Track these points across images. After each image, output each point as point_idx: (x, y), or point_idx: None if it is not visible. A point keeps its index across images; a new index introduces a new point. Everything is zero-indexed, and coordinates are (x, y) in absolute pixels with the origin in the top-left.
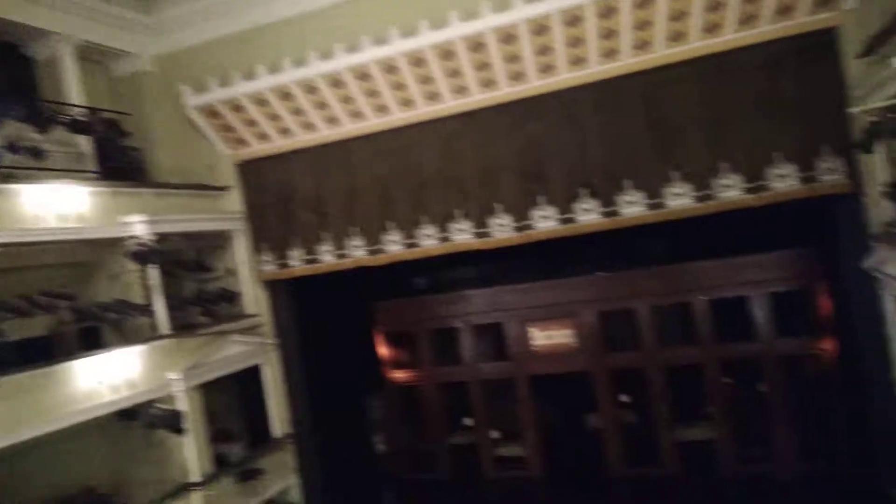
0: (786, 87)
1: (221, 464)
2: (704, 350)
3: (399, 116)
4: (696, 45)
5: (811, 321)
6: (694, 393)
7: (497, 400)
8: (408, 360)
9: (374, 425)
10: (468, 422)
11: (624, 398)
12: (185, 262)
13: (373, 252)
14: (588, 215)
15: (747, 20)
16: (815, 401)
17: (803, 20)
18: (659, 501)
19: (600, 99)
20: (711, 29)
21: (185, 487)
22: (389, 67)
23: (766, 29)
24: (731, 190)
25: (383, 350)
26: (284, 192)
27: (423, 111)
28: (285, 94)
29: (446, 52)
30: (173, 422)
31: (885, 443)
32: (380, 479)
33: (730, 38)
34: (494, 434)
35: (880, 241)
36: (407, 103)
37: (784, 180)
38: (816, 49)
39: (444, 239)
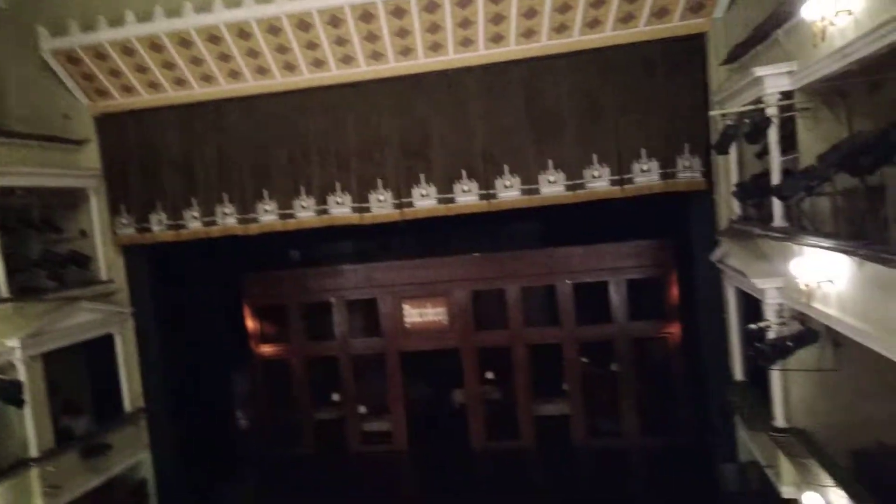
0: (655, 87)
1: (66, 438)
2: (565, 330)
3: (281, 81)
4: (578, 38)
5: (662, 307)
6: (553, 370)
7: (366, 375)
8: (276, 334)
9: (238, 400)
10: (336, 397)
11: (489, 375)
12: (31, 221)
13: (245, 221)
14: (467, 197)
15: (626, 19)
16: (661, 380)
17: (676, 24)
18: (516, 472)
19: (485, 82)
20: (593, 24)
21: (23, 463)
22: (273, 28)
23: (642, 29)
24: (599, 181)
25: (251, 323)
26: (149, 151)
27: (307, 77)
28: (156, 46)
29: (334, 19)
30: (11, 393)
31: (720, 421)
32: (241, 455)
33: (609, 34)
34: (362, 409)
35: (726, 235)
36: (290, 68)
37: (647, 175)
38: (686, 53)
39: (322, 212)
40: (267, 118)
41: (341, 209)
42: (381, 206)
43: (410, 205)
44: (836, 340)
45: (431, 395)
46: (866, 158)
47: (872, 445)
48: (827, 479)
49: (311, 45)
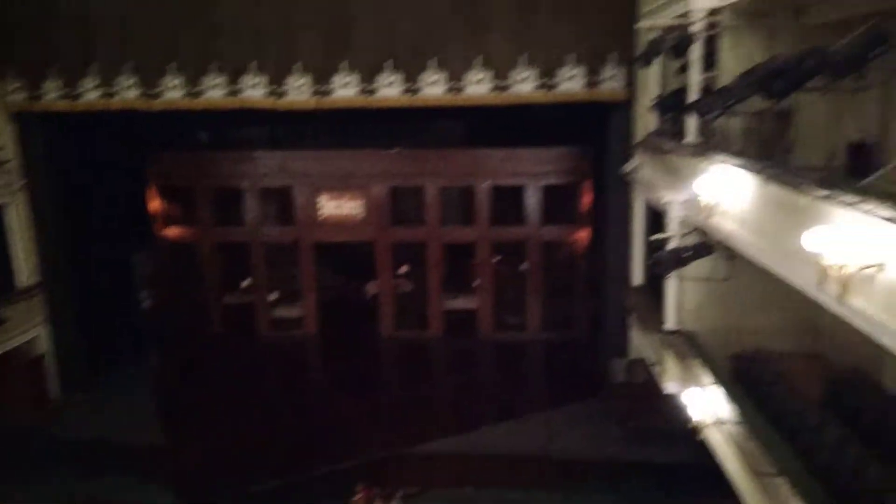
0: None
1: None
2: (480, 230)
3: None
4: None
5: (574, 213)
6: (465, 268)
7: (279, 263)
8: (184, 216)
9: (143, 282)
10: (246, 283)
11: (403, 269)
12: None
13: (148, 95)
14: (390, 89)
15: None
16: (566, 281)
17: None
18: (421, 359)
19: None
20: None
21: None
22: None
23: None
24: (525, 84)
25: (157, 205)
26: (38, 3)
27: None
28: None
29: None
30: None
31: (613, 322)
32: (145, 336)
33: None
34: (273, 296)
35: (640, 148)
36: None
37: (572, 81)
38: None
39: (234, 93)
40: None
41: (255, 91)
42: (299, 91)
43: (330, 93)
44: (731, 254)
45: (345, 286)
46: (779, 83)
47: (751, 350)
48: (707, 378)
49: None
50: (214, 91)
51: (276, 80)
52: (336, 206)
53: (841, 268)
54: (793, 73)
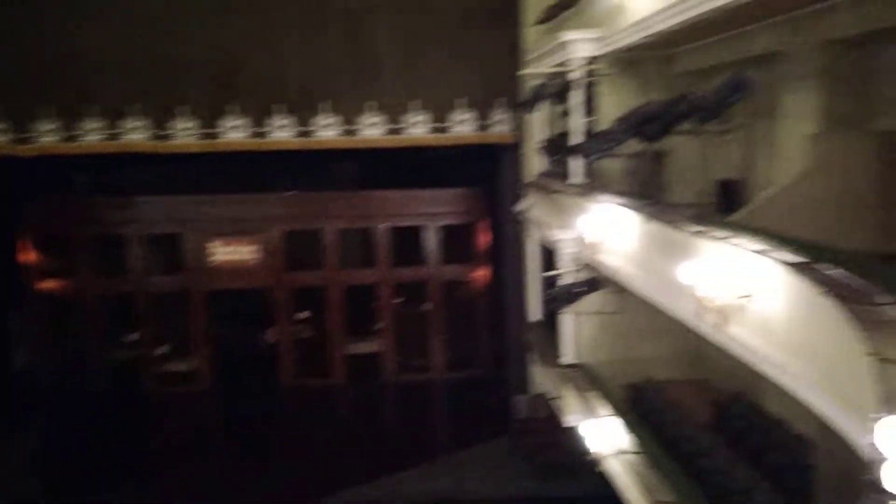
0: (473, 40)
1: None
2: (381, 272)
3: None
4: None
5: (472, 252)
6: (367, 310)
7: (168, 315)
8: (62, 268)
9: (17, 339)
10: (133, 336)
11: (302, 314)
12: None
13: (19, 140)
14: (282, 132)
15: None
16: (467, 320)
17: None
18: (324, 407)
19: (302, 10)
20: None
21: None
22: None
23: None
24: (418, 127)
25: (31, 256)
26: None
27: None
28: None
29: None
30: None
31: (515, 359)
32: (21, 397)
33: None
34: (162, 349)
35: (531, 188)
36: None
37: (463, 125)
38: (503, 10)
39: (113, 136)
40: (41, 17)
41: (136, 134)
42: (185, 134)
43: (218, 136)
44: (619, 288)
45: (241, 335)
46: (653, 127)
47: (643, 379)
48: (604, 409)
49: None
50: (92, 135)
51: (161, 123)
52: (229, 252)
53: (716, 299)
54: (664, 118)
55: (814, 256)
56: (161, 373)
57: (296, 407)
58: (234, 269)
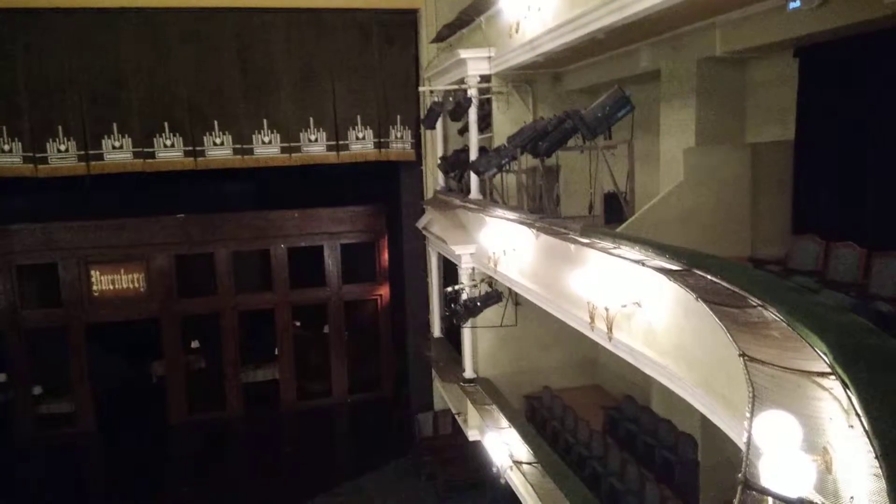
0: (370, 56)
1: None
2: (277, 295)
3: None
4: None
5: (373, 270)
6: (263, 336)
7: (44, 351)
8: None
9: None
10: (1, 378)
11: (194, 344)
12: None
13: None
14: (169, 152)
15: None
16: (369, 340)
17: None
18: (220, 442)
19: (191, 27)
20: None
21: None
22: None
23: None
24: (315, 145)
25: None
26: None
27: None
28: None
29: None
30: None
31: (417, 376)
32: None
33: None
34: (37, 390)
35: (431, 204)
36: None
37: (362, 143)
38: (399, 27)
39: None
40: None
41: (9, 158)
42: (63, 157)
43: (100, 157)
44: (517, 300)
45: (125, 370)
46: (544, 144)
47: (541, 389)
48: (503, 422)
49: None
50: None
51: (34, 146)
52: (112, 281)
53: (605, 307)
54: (554, 134)
55: (690, 263)
56: (37, 415)
57: (188, 445)
58: (118, 299)
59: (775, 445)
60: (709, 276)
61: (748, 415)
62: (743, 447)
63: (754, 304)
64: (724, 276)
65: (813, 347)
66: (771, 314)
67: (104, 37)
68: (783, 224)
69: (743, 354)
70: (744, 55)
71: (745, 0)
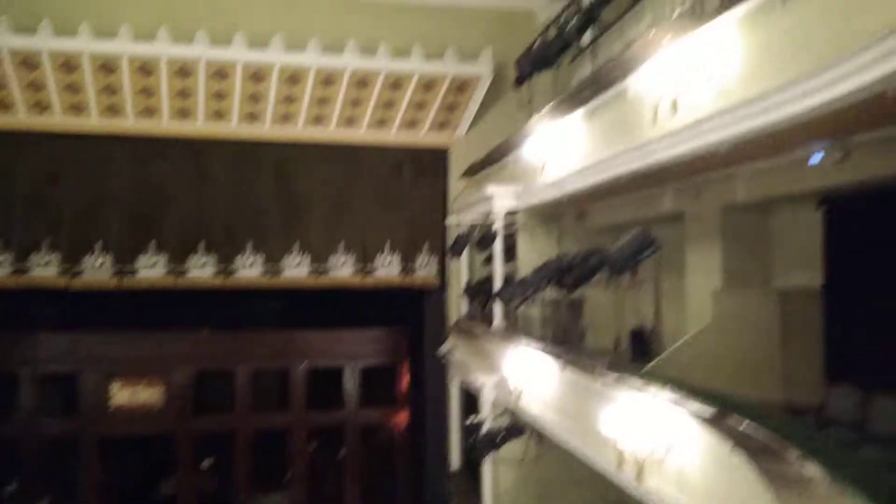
0: (401, 189)
1: None
2: (295, 416)
3: None
4: (334, 132)
5: (392, 395)
6: (278, 458)
7: (57, 462)
8: None
9: None
10: (10, 487)
11: (206, 463)
12: None
13: None
14: (202, 271)
15: (380, 123)
16: (386, 467)
17: (423, 136)
18: None
19: (234, 158)
20: (349, 122)
21: None
22: None
23: (393, 136)
24: (343, 268)
25: None
26: None
27: (24, 121)
28: None
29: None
30: None
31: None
32: None
33: (363, 133)
34: (42, 502)
35: (454, 332)
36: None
37: (388, 268)
38: (430, 163)
39: (21, 271)
40: None
41: (46, 270)
42: (97, 271)
43: (133, 273)
44: (539, 433)
45: (135, 486)
46: (569, 277)
47: None
48: None
49: (36, 86)
50: None
51: (71, 260)
52: (130, 394)
53: (634, 450)
54: (580, 269)
55: (723, 408)
56: None
57: None
58: (135, 413)
59: None
60: (745, 424)
61: None
62: None
63: (794, 457)
64: (760, 424)
65: None
66: (813, 470)
67: (153, 162)
68: (816, 371)
69: None
70: (766, 204)
71: (767, 152)
